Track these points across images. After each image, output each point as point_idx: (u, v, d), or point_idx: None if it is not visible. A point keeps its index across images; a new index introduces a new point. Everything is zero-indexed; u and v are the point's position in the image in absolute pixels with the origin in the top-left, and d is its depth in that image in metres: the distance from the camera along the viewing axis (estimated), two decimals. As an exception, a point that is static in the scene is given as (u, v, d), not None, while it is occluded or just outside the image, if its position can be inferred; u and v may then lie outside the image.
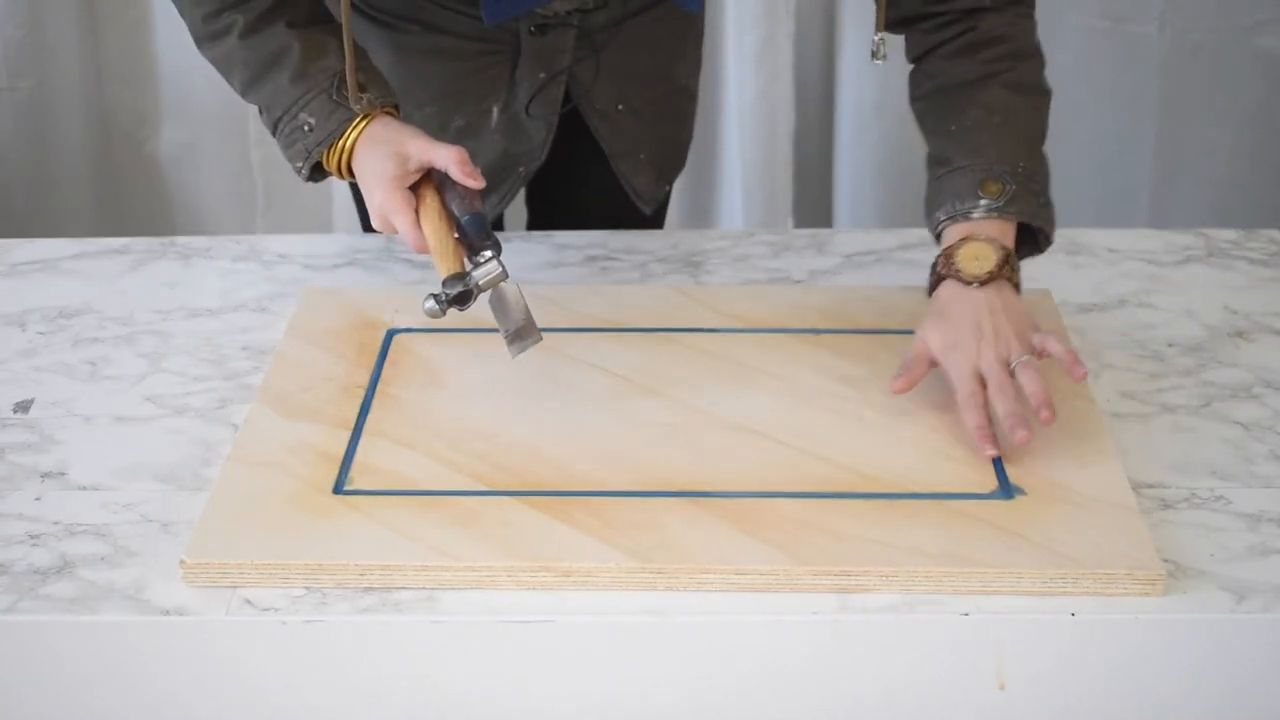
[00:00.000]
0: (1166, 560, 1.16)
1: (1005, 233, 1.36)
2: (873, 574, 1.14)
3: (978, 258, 1.33)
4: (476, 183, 1.35)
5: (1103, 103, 2.65)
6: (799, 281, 1.58)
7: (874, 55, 1.37)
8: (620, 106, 1.68)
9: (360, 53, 1.43)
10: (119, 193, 2.83)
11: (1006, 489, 1.22)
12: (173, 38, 2.73)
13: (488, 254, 1.32)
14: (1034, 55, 1.45)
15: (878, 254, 1.63)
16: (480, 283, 1.31)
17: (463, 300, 1.30)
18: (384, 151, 1.36)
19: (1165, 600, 1.13)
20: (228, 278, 1.61)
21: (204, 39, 1.47)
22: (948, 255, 1.35)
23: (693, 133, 1.84)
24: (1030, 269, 1.59)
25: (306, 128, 1.40)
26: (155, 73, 2.74)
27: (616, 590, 1.15)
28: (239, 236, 1.70)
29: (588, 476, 1.25)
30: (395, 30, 1.62)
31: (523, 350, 1.32)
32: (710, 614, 1.13)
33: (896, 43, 2.86)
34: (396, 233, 1.35)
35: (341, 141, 1.39)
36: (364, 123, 1.39)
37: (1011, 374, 1.28)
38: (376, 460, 1.27)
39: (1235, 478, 1.26)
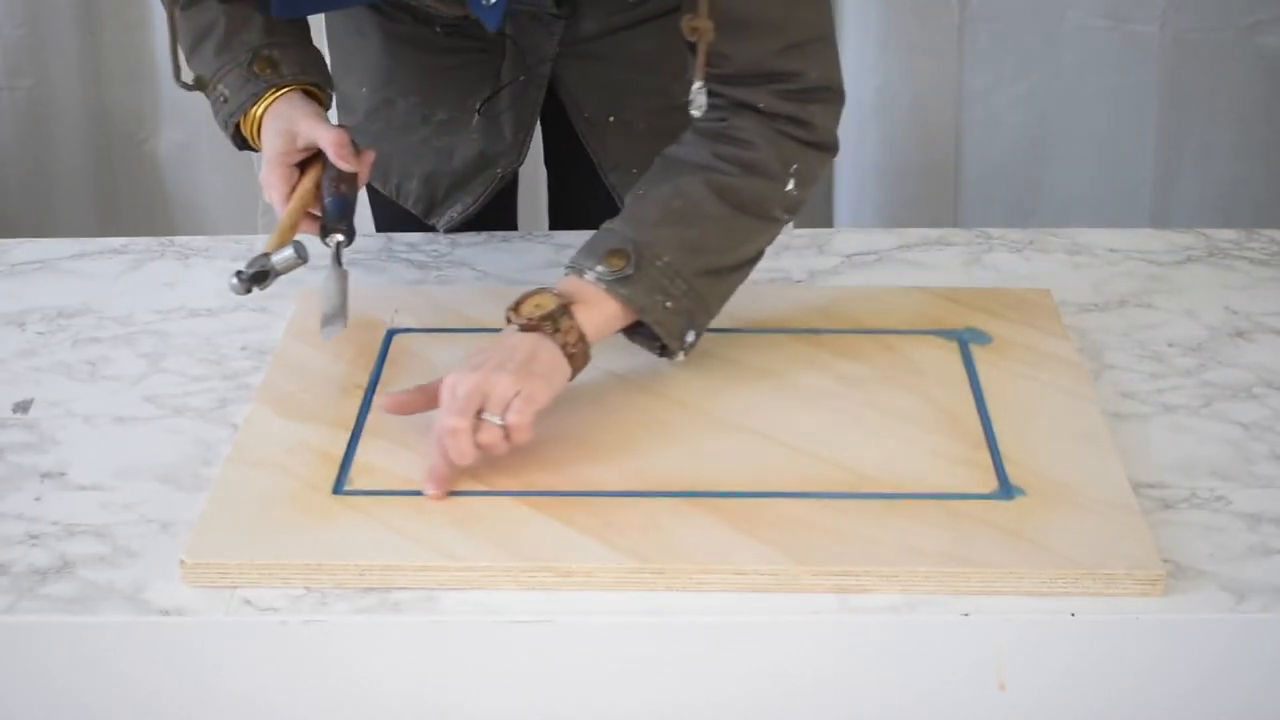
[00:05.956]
0: (1166, 560, 1.15)
1: (598, 304, 1.28)
2: (873, 574, 1.14)
3: (537, 305, 1.27)
4: (349, 166, 1.41)
5: (1103, 103, 2.65)
6: (799, 281, 1.58)
7: (690, 105, 1.28)
8: (612, 119, 1.67)
9: (279, 29, 1.48)
10: (118, 192, 2.83)
11: (1007, 489, 1.22)
12: (172, 37, 2.73)
13: (338, 238, 1.40)
14: (773, 178, 1.32)
15: (878, 254, 1.63)
16: (278, 266, 1.37)
17: (260, 279, 1.36)
18: (278, 128, 1.43)
19: (1165, 600, 1.13)
20: (227, 277, 1.60)
21: (168, 6, 1.51)
22: (520, 299, 1.28)
23: None
24: (1031, 269, 1.59)
25: (222, 99, 1.47)
26: (154, 72, 2.74)
27: (616, 590, 1.15)
28: (238, 236, 1.70)
29: (588, 476, 1.25)
30: (387, 17, 1.63)
31: (330, 335, 1.37)
32: (710, 614, 1.13)
33: (898, 36, 2.85)
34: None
35: (252, 113, 1.45)
36: (273, 97, 1.45)
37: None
38: (376, 460, 1.27)
39: (1235, 478, 1.26)
